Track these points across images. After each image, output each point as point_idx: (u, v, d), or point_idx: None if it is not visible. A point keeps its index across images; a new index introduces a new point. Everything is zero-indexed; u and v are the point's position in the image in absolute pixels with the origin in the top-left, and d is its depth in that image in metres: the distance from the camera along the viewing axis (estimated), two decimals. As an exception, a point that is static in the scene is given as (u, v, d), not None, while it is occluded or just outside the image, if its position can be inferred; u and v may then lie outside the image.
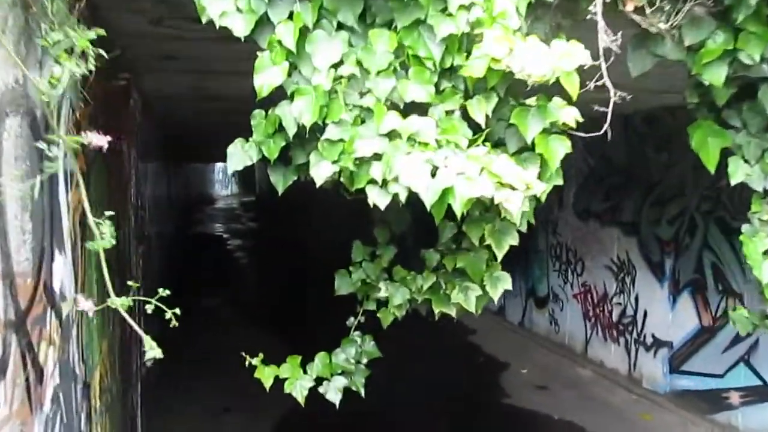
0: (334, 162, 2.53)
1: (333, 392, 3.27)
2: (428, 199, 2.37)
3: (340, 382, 3.31)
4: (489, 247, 2.79)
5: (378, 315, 3.33)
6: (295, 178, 2.85)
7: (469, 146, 2.49)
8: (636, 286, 7.76)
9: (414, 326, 10.84)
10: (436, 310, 3.21)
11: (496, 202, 2.37)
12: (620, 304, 8.02)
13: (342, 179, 2.61)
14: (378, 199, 2.50)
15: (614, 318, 8.08)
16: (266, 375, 3.17)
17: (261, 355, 3.20)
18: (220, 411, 7.47)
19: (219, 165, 54.81)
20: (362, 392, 3.30)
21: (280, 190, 2.84)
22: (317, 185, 2.61)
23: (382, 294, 3.28)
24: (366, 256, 3.43)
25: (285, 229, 26.99)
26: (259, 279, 15.84)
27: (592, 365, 8.52)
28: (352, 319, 3.47)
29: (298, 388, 3.18)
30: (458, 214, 2.42)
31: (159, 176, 11.36)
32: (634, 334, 7.76)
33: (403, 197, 2.44)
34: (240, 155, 2.83)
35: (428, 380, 8.33)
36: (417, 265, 3.19)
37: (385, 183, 2.46)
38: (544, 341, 9.61)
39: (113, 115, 3.87)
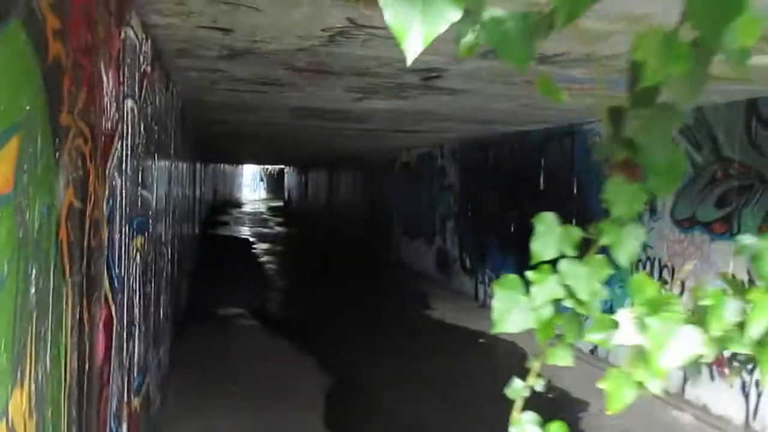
0: None
1: None
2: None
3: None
4: None
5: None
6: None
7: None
8: (757, 314, 6.25)
9: (468, 350, 9.41)
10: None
11: None
12: (732, 335, 6.51)
13: None
14: None
15: (726, 352, 6.58)
16: None
17: None
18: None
19: (248, 167, 54.13)
20: None
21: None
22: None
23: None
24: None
25: (314, 235, 25.92)
26: (286, 286, 14.45)
27: (693, 408, 7.01)
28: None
29: None
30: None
31: (184, 176, 10.05)
32: (756, 374, 6.25)
33: None
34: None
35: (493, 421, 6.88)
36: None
37: None
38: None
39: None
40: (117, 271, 3.19)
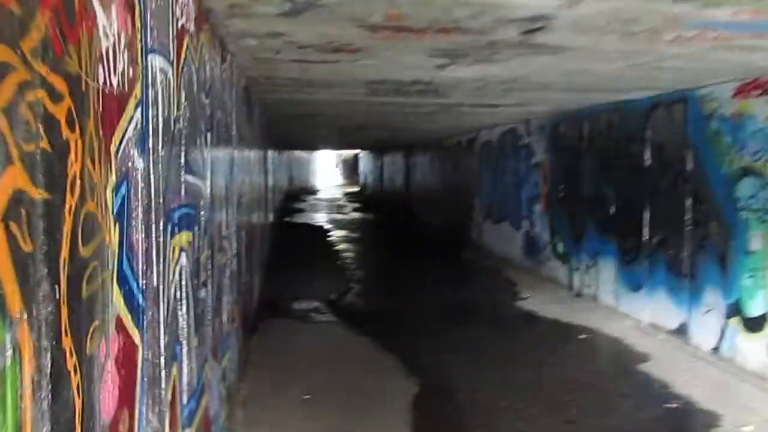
0: None
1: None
2: None
3: None
4: None
5: None
6: None
7: None
8: None
9: (569, 348, 8.37)
10: None
11: None
12: None
13: None
14: None
15: None
16: None
17: None
18: None
19: (322, 154, 53.75)
20: None
21: None
22: None
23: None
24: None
25: (391, 220, 25.04)
26: (364, 275, 13.67)
27: None
28: None
29: None
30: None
31: (252, 162, 9.38)
32: None
33: None
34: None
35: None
36: None
37: None
38: (760, 382, 6.96)
39: None
40: (141, 282, 2.38)
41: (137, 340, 2.31)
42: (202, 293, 4.02)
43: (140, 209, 2.38)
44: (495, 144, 15.82)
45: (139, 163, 2.39)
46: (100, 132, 1.91)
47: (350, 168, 58.06)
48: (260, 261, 11.21)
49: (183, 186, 3.36)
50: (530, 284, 12.27)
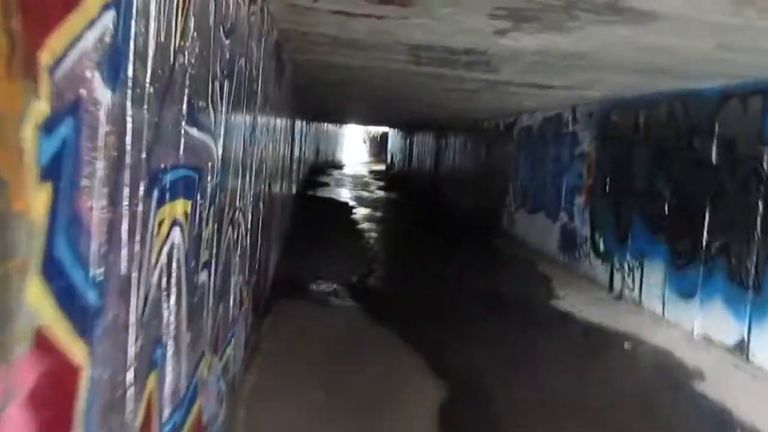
0: None
1: None
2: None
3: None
4: None
5: None
6: None
7: None
8: None
9: (614, 358, 7.52)
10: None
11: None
12: None
13: None
14: None
15: None
16: None
17: None
18: None
19: (351, 128, 52.85)
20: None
21: None
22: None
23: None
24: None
25: (418, 202, 24.13)
26: (388, 258, 12.92)
27: None
28: None
29: None
30: None
31: (279, 129, 8.62)
32: None
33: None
34: None
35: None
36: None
37: None
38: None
39: None
40: (93, 271, 1.60)
41: (79, 357, 1.54)
42: (202, 276, 3.26)
43: (101, 164, 1.60)
44: (536, 130, 14.90)
45: (105, 96, 1.61)
46: (18, 24, 1.13)
47: (377, 146, 57.18)
48: (279, 234, 10.48)
49: (182, 141, 2.59)
50: (566, 281, 11.43)
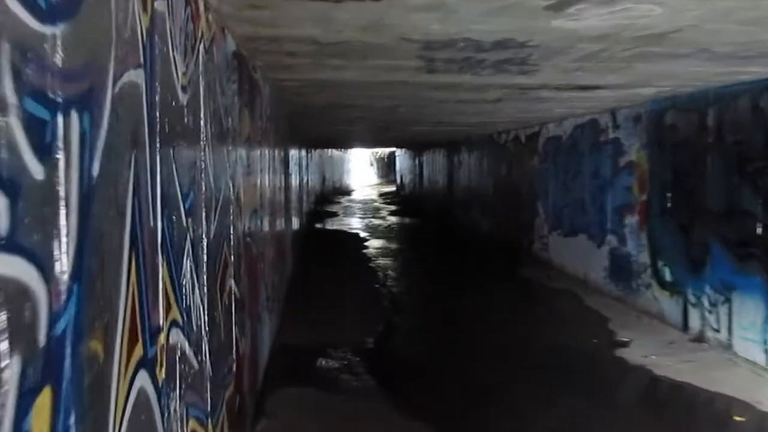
0: None
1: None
2: None
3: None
4: None
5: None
6: None
7: None
8: None
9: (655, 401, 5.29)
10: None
11: None
12: None
13: None
14: None
15: None
16: None
17: None
18: None
19: (356, 151, 50.96)
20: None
21: None
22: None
23: None
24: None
25: (435, 227, 21.92)
26: (409, 305, 11.00)
27: None
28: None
29: None
30: None
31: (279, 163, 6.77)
32: None
33: None
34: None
35: None
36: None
37: None
38: None
39: None
40: None
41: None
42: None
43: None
44: (566, 139, 12.98)
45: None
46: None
47: (386, 166, 55.42)
48: (277, 292, 8.59)
49: None
50: (624, 320, 9.45)
